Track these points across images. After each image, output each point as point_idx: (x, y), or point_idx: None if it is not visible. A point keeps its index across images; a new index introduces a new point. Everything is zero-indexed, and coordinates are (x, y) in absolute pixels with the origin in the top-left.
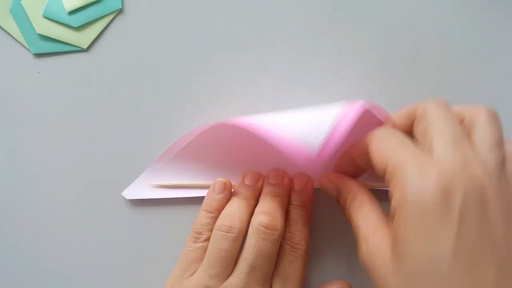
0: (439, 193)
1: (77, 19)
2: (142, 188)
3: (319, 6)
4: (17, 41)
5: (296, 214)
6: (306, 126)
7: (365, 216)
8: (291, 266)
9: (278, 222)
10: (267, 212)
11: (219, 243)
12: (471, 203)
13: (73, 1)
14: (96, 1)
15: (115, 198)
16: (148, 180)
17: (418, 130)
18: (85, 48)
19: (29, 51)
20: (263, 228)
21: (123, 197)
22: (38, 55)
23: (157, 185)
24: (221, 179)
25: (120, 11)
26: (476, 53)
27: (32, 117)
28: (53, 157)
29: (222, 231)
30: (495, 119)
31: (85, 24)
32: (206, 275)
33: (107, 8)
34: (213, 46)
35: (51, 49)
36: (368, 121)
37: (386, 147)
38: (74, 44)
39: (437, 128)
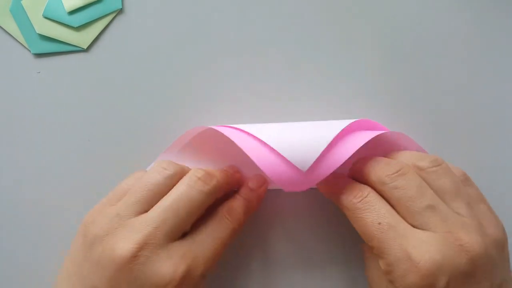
0: (422, 281)
1: (77, 19)
2: None
3: (319, 7)
4: (17, 41)
5: (240, 201)
6: (301, 139)
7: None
8: (213, 233)
9: (214, 180)
10: (206, 169)
11: (152, 176)
12: (454, 279)
13: (73, 1)
14: (96, 1)
15: None
16: None
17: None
18: (85, 48)
19: (29, 51)
20: (195, 177)
21: None
22: (38, 55)
23: None
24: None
25: (120, 11)
26: (476, 53)
27: (32, 117)
28: (53, 157)
29: (160, 166)
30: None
31: (85, 24)
32: (124, 203)
33: (107, 8)
34: (213, 46)
35: (51, 49)
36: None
37: (360, 221)
38: (74, 44)
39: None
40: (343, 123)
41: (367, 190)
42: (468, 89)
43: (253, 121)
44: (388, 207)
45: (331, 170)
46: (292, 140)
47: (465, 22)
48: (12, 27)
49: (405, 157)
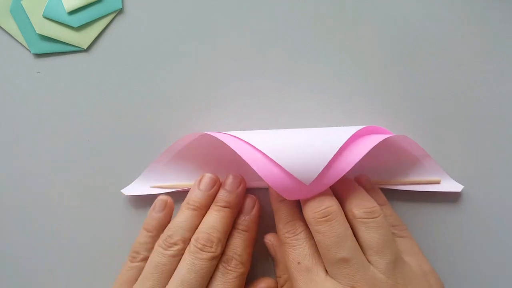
0: None
1: (77, 19)
2: (142, 187)
3: (319, 7)
4: (17, 41)
5: (238, 239)
6: (303, 150)
7: None
8: (223, 287)
9: (215, 242)
10: (207, 232)
11: (158, 257)
12: None
13: (73, 1)
14: (96, 1)
15: (115, 197)
16: (148, 180)
17: None
18: (85, 48)
19: (29, 51)
20: (198, 247)
21: (123, 196)
22: (38, 55)
23: (156, 186)
24: (162, 197)
25: (120, 11)
26: (477, 54)
27: (32, 117)
28: (53, 157)
29: (162, 247)
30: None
31: (85, 24)
32: (141, 287)
33: (107, 8)
34: (213, 46)
35: (51, 49)
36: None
37: (292, 261)
38: (74, 44)
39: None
40: (347, 132)
41: (301, 228)
42: (469, 89)
43: (253, 123)
44: (314, 249)
45: (335, 180)
46: (295, 151)
47: (465, 22)
48: (12, 27)
49: (349, 197)
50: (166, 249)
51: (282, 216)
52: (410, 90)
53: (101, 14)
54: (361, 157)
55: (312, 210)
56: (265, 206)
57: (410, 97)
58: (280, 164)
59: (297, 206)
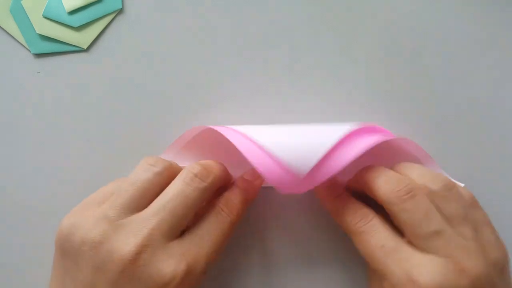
0: None
1: (77, 19)
2: None
3: (318, 7)
4: (17, 41)
5: (237, 191)
6: (298, 149)
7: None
8: (211, 228)
9: (211, 176)
10: (204, 165)
11: (140, 173)
12: None
13: (73, 1)
14: (96, 1)
15: None
16: None
17: (396, 215)
18: (85, 48)
19: (29, 51)
20: (191, 174)
21: None
22: (38, 55)
23: None
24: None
25: (120, 11)
26: (476, 53)
27: (32, 117)
28: (53, 157)
29: (148, 163)
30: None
31: (85, 24)
32: (112, 204)
33: (107, 8)
34: (213, 46)
35: (51, 49)
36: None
37: (365, 244)
38: (74, 44)
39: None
40: (345, 128)
41: (371, 214)
42: (468, 89)
43: (253, 121)
44: (391, 230)
45: (330, 175)
46: (291, 144)
47: (465, 22)
48: (12, 27)
49: (416, 175)
50: (152, 165)
51: (345, 210)
52: (411, 90)
53: (101, 14)
54: (358, 155)
55: (393, 190)
56: (267, 205)
57: (410, 97)
58: (275, 155)
59: (354, 197)
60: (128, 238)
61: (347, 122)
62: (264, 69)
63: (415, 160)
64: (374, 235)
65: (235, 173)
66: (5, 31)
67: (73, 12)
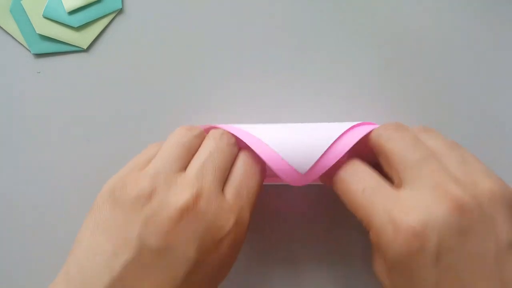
0: (410, 242)
1: (77, 19)
2: None
3: (319, 7)
4: (17, 41)
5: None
6: (300, 142)
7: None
8: (244, 179)
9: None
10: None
11: (177, 136)
12: (445, 247)
13: (73, 1)
14: (96, 1)
15: None
16: None
17: (383, 163)
18: (85, 48)
19: (29, 51)
20: (219, 134)
21: None
22: (38, 55)
23: None
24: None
25: (120, 11)
26: (476, 53)
27: (32, 117)
28: (53, 157)
29: (184, 129)
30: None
31: (85, 24)
32: (160, 161)
33: (107, 8)
34: (214, 46)
35: (51, 49)
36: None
37: (347, 194)
38: (74, 44)
39: (401, 164)
40: (343, 127)
41: (350, 161)
42: (468, 89)
43: (252, 120)
44: (374, 173)
45: (328, 167)
46: (292, 141)
47: (465, 22)
48: (12, 27)
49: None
50: (189, 130)
51: (333, 170)
52: (411, 90)
53: (101, 14)
54: (353, 144)
55: (382, 127)
56: (273, 204)
57: (410, 97)
58: (278, 152)
59: None
60: (182, 191)
61: (347, 122)
62: (265, 69)
63: None
64: (355, 180)
65: None
66: (5, 31)
67: (73, 12)
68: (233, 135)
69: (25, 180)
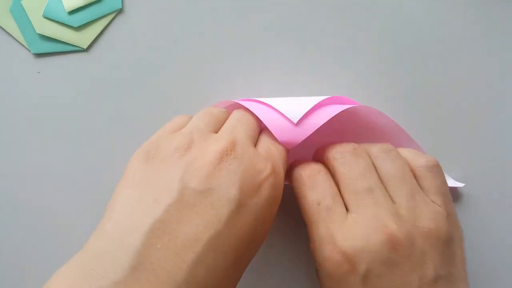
0: (342, 264)
1: (77, 19)
2: None
3: (319, 7)
4: (17, 41)
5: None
6: (297, 101)
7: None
8: (272, 141)
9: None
10: None
11: (207, 109)
12: (373, 273)
13: (73, 1)
14: (96, 1)
15: None
16: None
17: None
18: (85, 48)
19: (29, 51)
20: (241, 111)
21: None
22: (38, 55)
23: None
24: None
25: (120, 11)
26: (476, 53)
27: (32, 117)
28: (53, 157)
29: (208, 107)
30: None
31: (85, 24)
32: (193, 124)
33: (107, 8)
34: (214, 45)
35: (51, 49)
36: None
37: (302, 198)
38: (74, 44)
39: (348, 188)
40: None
41: (318, 168)
42: (469, 88)
43: None
44: (334, 190)
45: (317, 126)
46: (287, 102)
47: (465, 22)
48: (12, 27)
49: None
50: (215, 107)
51: (297, 164)
52: (411, 89)
53: (101, 14)
54: (338, 112)
55: (337, 147)
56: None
57: (410, 96)
58: (273, 106)
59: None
60: (218, 141)
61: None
62: (265, 69)
63: (387, 132)
64: (314, 190)
65: None
66: (5, 31)
67: (73, 12)
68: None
69: (25, 180)
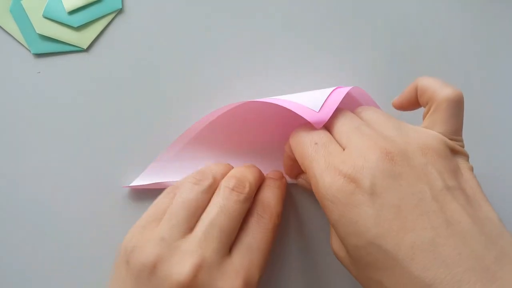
0: (346, 185)
1: (77, 19)
2: (146, 181)
3: (319, 7)
4: (17, 41)
5: (270, 191)
6: (308, 95)
7: None
8: (256, 237)
9: (247, 186)
10: (237, 175)
11: (186, 192)
12: (380, 186)
13: (73, 1)
14: (96, 1)
15: (115, 196)
16: (151, 176)
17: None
18: (85, 48)
19: (29, 51)
20: (228, 189)
21: (124, 195)
22: (38, 55)
23: (159, 183)
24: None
25: (120, 11)
26: (476, 53)
27: (32, 117)
28: (53, 157)
29: (191, 182)
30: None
31: (85, 24)
32: (167, 225)
33: (107, 8)
34: (213, 45)
35: (51, 49)
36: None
37: (301, 145)
38: (74, 44)
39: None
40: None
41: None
42: (468, 89)
43: None
44: (327, 132)
45: (337, 104)
46: (301, 94)
47: (465, 22)
48: (12, 27)
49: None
50: (196, 183)
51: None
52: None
53: (101, 14)
54: (345, 93)
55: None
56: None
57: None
58: (295, 101)
59: None
60: (184, 260)
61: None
62: (266, 70)
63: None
64: (310, 134)
65: (244, 162)
66: (5, 31)
67: (73, 12)
68: (245, 181)
69: (25, 180)
